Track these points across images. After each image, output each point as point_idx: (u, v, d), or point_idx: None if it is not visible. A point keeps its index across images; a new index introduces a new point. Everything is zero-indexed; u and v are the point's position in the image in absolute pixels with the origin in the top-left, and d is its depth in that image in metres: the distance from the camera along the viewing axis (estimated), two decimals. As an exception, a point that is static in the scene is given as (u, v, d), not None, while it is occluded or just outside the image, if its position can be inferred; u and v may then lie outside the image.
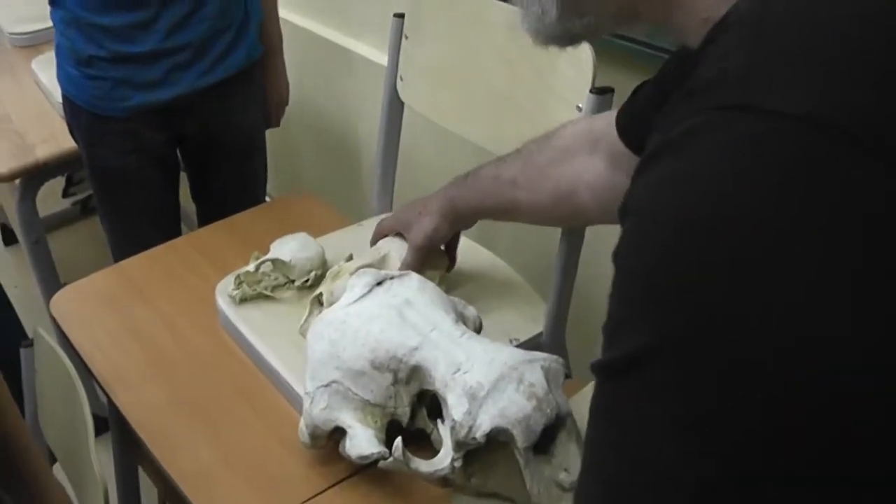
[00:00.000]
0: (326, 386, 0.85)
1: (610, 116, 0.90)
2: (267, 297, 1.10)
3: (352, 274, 0.96)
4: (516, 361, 0.79)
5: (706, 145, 0.41)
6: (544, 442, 0.78)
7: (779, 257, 0.38)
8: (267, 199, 1.77)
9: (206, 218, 1.60)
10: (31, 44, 2.06)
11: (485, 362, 0.79)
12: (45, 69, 1.79)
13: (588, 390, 0.94)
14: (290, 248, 1.11)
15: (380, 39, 1.65)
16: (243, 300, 1.09)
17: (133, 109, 1.42)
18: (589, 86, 1.05)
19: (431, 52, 1.31)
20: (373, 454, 0.82)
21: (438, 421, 0.82)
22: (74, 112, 1.47)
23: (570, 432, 0.80)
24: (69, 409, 1.04)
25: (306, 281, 1.10)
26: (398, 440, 0.79)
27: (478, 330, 0.92)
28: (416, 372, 0.83)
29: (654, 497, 0.42)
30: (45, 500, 0.95)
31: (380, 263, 1.04)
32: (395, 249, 1.06)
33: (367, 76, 1.86)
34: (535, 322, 1.13)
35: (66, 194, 2.50)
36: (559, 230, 1.15)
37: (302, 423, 0.89)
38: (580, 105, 1.06)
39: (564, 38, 0.59)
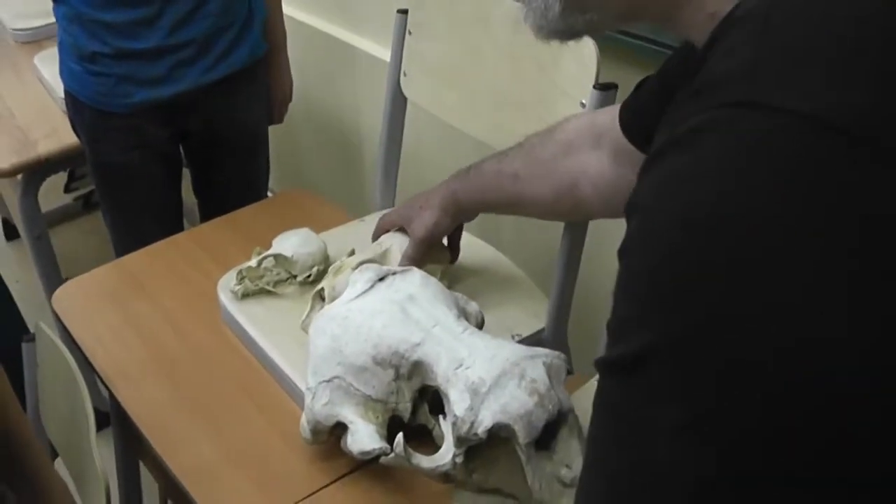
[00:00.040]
0: (328, 381, 0.85)
1: (613, 111, 0.89)
2: (269, 293, 1.10)
3: (354, 269, 0.96)
4: (518, 357, 0.79)
5: (711, 143, 0.41)
6: (546, 438, 0.78)
7: (776, 257, 0.38)
8: (269, 194, 1.77)
9: (208, 213, 1.60)
10: (33, 39, 2.06)
11: (487, 358, 0.79)
12: (47, 65, 1.79)
13: (590, 386, 0.95)
14: (293, 243, 1.10)
15: (383, 35, 1.65)
16: (245, 295, 1.09)
17: (136, 106, 1.42)
18: (592, 82, 1.05)
19: (435, 47, 1.31)
20: (374, 450, 0.82)
21: (440, 417, 0.82)
22: (77, 108, 1.47)
23: (571, 428, 0.80)
24: (70, 404, 1.04)
25: (308, 276, 1.10)
26: (399, 436, 0.79)
27: (480, 325, 0.92)
28: (417, 367, 0.83)
29: (654, 495, 0.42)
30: (47, 495, 0.95)
31: (382, 258, 1.04)
32: (397, 244, 1.06)
33: (371, 72, 1.86)
34: (537, 318, 1.13)
35: (67, 189, 2.51)
36: (561, 226, 1.15)
37: (303, 419, 0.89)
38: (584, 101, 1.06)
39: (566, 33, 0.59)
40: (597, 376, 0.47)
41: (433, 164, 1.58)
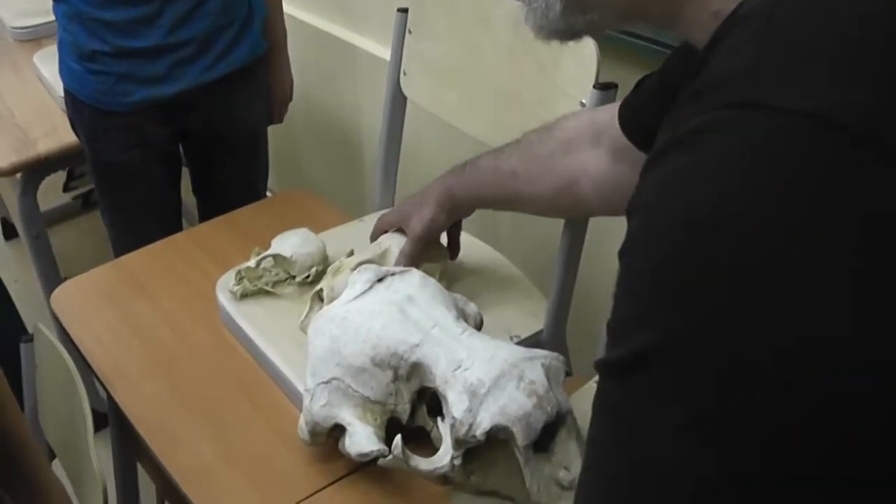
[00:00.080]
0: (327, 383, 0.85)
1: (613, 109, 0.89)
2: (268, 293, 1.09)
3: (353, 270, 0.96)
4: (517, 359, 0.79)
5: (714, 143, 0.41)
6: (544, 440, 0.78)
7: (779, 257, 0.38)
8: (268, 193, 1.76)
9: (207, 213, 1.60)
10: (32, 38, 2.05)
11: (485, 359, 0.79)
12: (47, 63, 1.79)
13: (589, 388, 0.94)
14: (291, 243, 1.10)
15: (383, 34, 1.65)
16: (244, 296, 1.09)
17: (136, 105, 1.42)
18: (592, 81, 1.04)
19: (435, 47, 1.31)
20: (372, 452, 0.82)
21: (438, 418, 0.82)
22: (77, 107, 1.47)
23: (570, 430, 0.79)
24: (68, 405, 1.04)
25: (307, 277, 1.10)
26: (398, 438, 0.79)
27: (478, 327, 0.92)
28: (416, 369, 0.83)
29: (654, 496, 0.42)
30: (45, 497, 0.95)
31: (380, 259, 1.04)
32: (396, 244, 1.05)
33: (371, 71, 1.85)
34: (535, 319, 1.12)
35: (66, 189, 2.50)
36: (560, 225, 1.14)
37: (302, 420, 0.88)
38: (584, 101, 1.06)
39: (567, 33, 0.59)
40: (596, 378, 0.47)
41: (432, 164, 1.57)
